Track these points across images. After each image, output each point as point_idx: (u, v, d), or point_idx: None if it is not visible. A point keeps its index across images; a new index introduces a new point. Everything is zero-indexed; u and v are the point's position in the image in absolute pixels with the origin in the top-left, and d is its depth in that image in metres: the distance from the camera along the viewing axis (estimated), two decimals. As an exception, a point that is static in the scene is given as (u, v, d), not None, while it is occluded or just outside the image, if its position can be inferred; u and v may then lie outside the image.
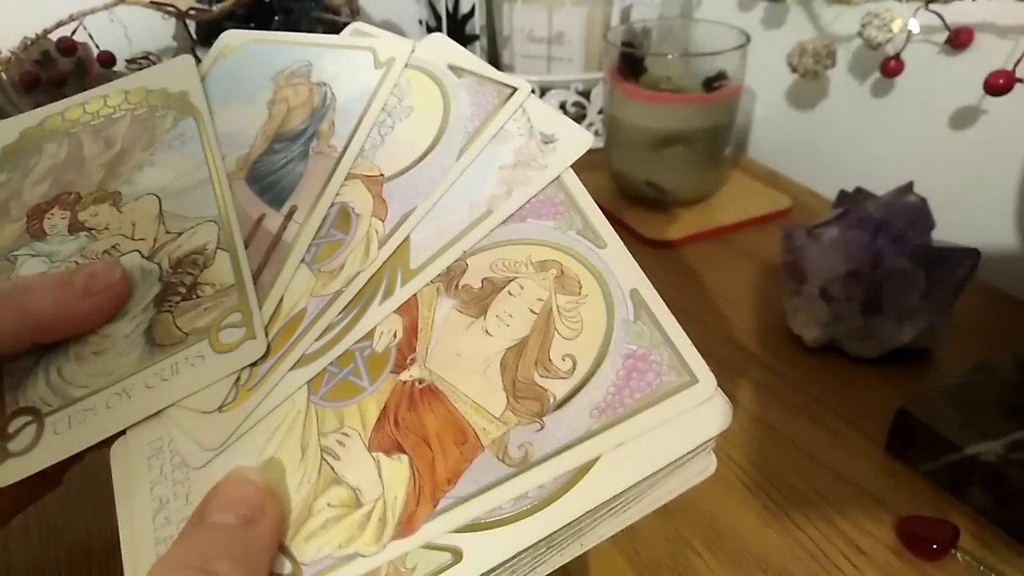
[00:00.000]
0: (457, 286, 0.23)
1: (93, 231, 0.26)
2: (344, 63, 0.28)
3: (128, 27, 0.62)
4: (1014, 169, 0.48)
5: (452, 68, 0.27)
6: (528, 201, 0.24)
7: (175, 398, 0.22)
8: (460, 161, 0.25)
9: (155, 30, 0.64)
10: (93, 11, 0.56)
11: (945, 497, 0.33)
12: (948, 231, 0.42)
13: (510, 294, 0.22)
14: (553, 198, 0.24)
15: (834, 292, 0.40)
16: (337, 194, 0.25)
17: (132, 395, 0.22)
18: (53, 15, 0.55)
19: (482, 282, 0.23)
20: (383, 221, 0.24)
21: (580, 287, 0.22)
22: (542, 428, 0.20)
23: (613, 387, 0.20)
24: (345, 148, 0.26)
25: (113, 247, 0.25)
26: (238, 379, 0.22)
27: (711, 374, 0.20)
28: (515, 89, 0.26)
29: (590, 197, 0.24)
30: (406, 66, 0.28)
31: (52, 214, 0.26)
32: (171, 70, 0.30)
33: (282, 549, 0.19)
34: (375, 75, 0.27)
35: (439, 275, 0.23)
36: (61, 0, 0.56)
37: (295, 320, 0.23)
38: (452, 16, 0.71)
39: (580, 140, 0.25)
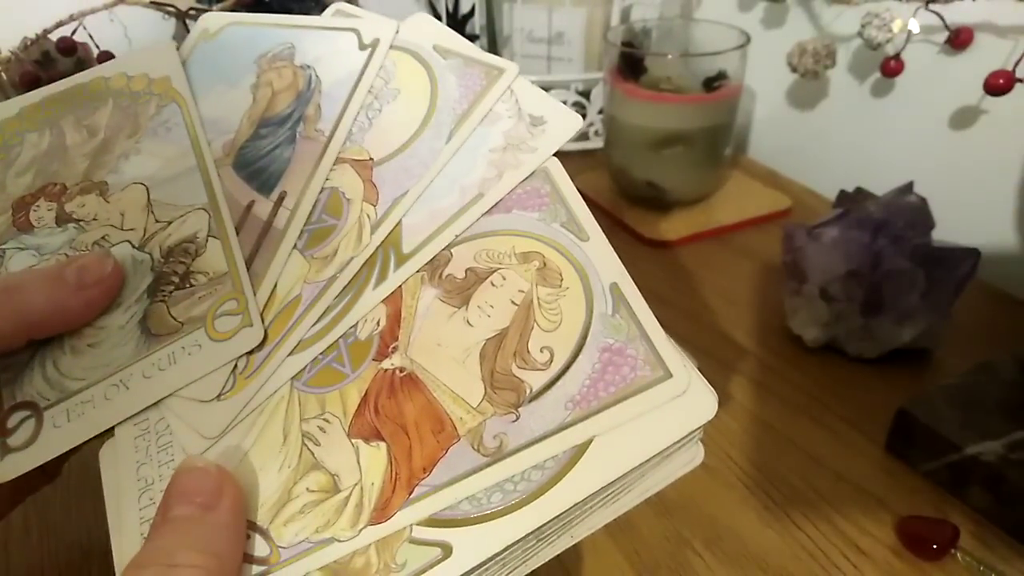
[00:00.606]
0: (441, 276, 0.23)
1: (81, 222, 0.25)
2: (327, 45, 0.28)
3: (128, 27, 0.62)
4: (1014, 169, 0.48)
5: (438, 49, 0.27)
6: (514, 191, 0.24)
7: (173, 387, 0.22)
8: (450, 144, 0.25)
9: (155, 30, 0.64)
10: (93, 11, 0.56)
11: (945, 497, 0.33)
12: (948, 231, 0.42)
13: (492, 285, 0.22)
14: (539, 189, 0.24)
15: (834, 292, 0.40)
16: (327, 179, 0.25)
17: (130, 386, 0.22)
18: (53, 15, 0.55)
19: (466, 272, 0.23)
20: (375, 206, 0.24)
21: (561, 279, 0.22)
22: (517, 419, 0.20)
23: (588, 380, 0.20)
24: (333, 132, 0.26)
25: (102, 238, 0.25)
26: (235, 367, 0.22)
27: (686, 369, 0.20)
28: (502, 70, 0.26)
29: (576, 189, 0.24)
30: (391, 47, 0.27)
31: (38, 206, 0.26)
32: (152, 55, 0.29)
33: (261, 532, 0.19)
34: (360, 57, 0.27)
35: (425, 263, 0.23)
36: (61, 0, 0.56)
37: (290, 307, 0.23)
38: (452, 16, 0.71)
39: (569, 122, 0.24)
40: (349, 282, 0.23)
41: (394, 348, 0.22)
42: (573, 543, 0.20)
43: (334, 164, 0.25)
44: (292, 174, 0.25)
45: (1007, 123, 0.48)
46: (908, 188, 0.42)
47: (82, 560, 0.32)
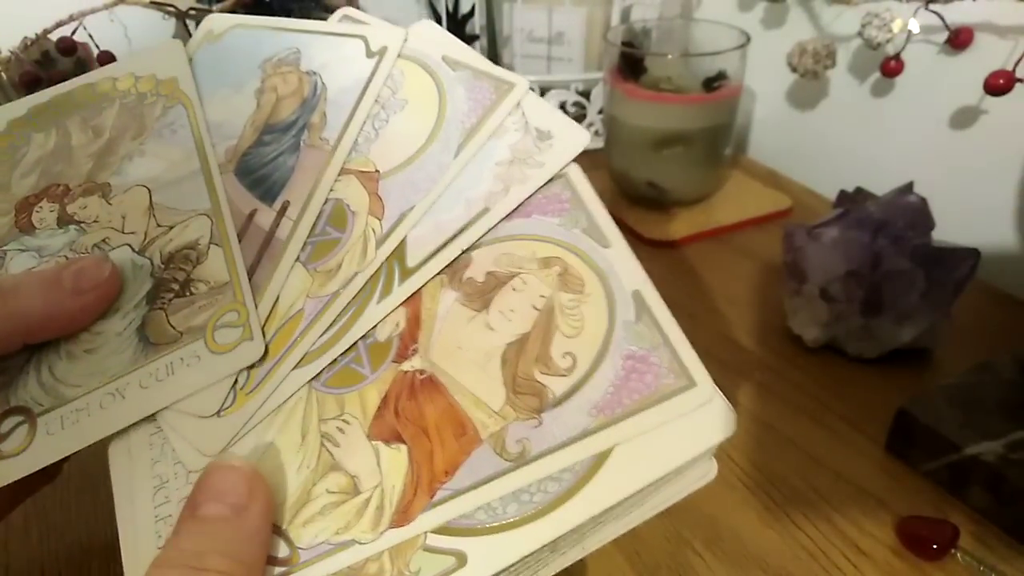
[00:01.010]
0: (461, 279, 0.22)
1: (82, 224, 0.25)
2: (334, 51, 0.27)
3: (128, 27, 0.62)
4: (1014, 169, 0.48)
5: (446, 60, 0.26)
6: (532, 196, 0.23)
7: (171, 399, 0.21)
8: (458, 159, 0.24)
9: (155, 30, 0.64)
10: (93, 11, 0.56)
11: (945, 497, 0.33)
12: (948, 231, 0.42)
13: (513, 289, 0.22)
14: (559, 195, 0.23)
15: (834, 292, 0.40)
16: (331, 190, 0.24)
17: (126, 395, 0.21)
18: (53, 15, 0.55)
19: (486, 276, 0.22)
20: (380, 220, 0.24)
21: (583, 285, 0.22)
22: (540, 424, 0.20)
23: (612, 387, 0.20)
24: (338, 141, 0.25)
25: (103, 240, 0.24)
26: (236, 382, 0.22)
27: (709, 378, 0.20)
28: (512, 84, 0.25)
29: (596, 196, 0.23)
30: (399, 56, 0.27)
31: (40, 207, 0.25)
32: (159, 55, 0.29)
33: (280, 533, 0.19)
34: (367, 65, 0.26)
35: (431, 277, 0.23)
36: (61, 0, 0.56)
37: (292, 322, 0.22)
38: (452, 16, 0.71)
39: (577, 138, 0.24)
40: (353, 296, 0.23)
41: (414, 350, 0.22)
42: (584, 555, 0.20)
43: (339, 175, 0.25)
44: (296, 183, 0.25)
45: (1007, 123, 0.48)
46: (908, 188, 0.42)
47: (82, 559, 0.32)
